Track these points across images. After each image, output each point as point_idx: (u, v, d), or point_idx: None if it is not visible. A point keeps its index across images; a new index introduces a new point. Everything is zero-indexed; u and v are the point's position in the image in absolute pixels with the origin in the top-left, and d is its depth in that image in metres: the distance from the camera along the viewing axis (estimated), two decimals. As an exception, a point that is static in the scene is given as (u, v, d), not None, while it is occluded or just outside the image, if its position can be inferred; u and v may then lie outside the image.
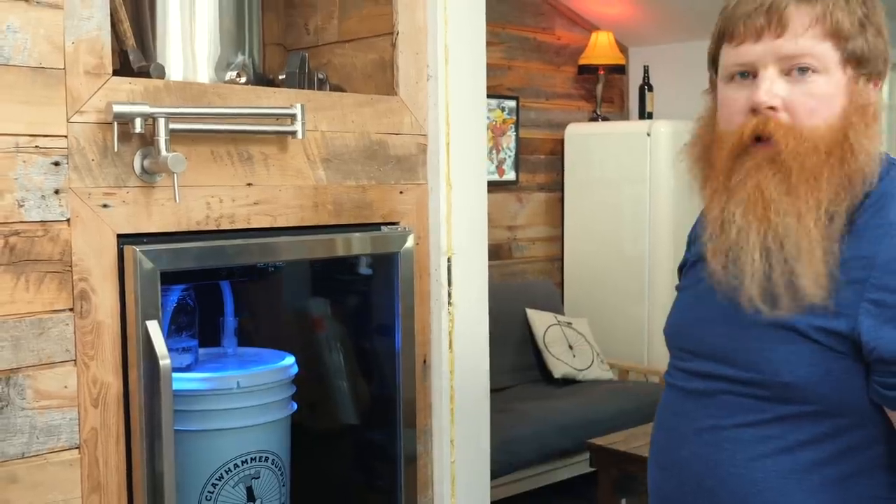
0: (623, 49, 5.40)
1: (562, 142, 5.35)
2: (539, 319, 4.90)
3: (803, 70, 1.22)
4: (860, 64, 1.23)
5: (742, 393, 1.24)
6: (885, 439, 1.18)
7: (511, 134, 5.14)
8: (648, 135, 4.79)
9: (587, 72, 5.29)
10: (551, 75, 5.36)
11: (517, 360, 4.83)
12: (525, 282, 5.26)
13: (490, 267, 5.28)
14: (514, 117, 5.15)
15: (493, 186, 5.09)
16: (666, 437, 1.36)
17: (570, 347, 4.88)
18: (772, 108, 1.21)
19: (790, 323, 1.19)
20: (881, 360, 1.13)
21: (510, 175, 5.16)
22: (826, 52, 1.22)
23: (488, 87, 5.41)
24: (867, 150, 1.20)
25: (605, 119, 5.36)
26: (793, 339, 1.19)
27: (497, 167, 5.10)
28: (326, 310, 2.21)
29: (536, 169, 5.32)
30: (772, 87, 1.22)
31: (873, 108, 1.23)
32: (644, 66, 5.18)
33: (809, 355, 1.18)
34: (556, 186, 5.38)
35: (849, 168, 1.19)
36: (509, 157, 5.14)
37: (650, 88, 5.14)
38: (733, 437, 1.25)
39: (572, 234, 5.34)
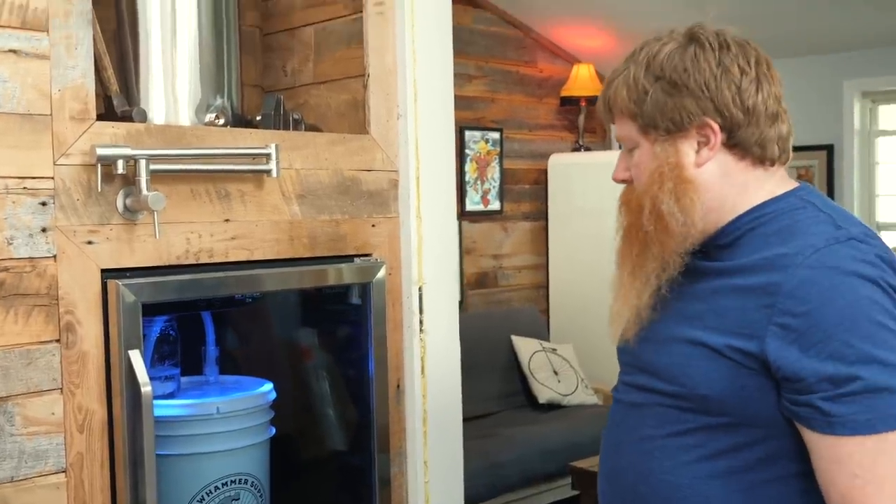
0: (604, 80, 5.53)
1: (545, 172, 5.47)
2: (524, 346, 5.00)
3: (629, 149, 1.41)
4: (652, 126, 1.35)
5: (669, 405, 1.35)
6: (797, 450, 1.27)
7: (495, 164, 5.25)
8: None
9: (569, 103, 5.42)
10: (534, 107, 5.49)
11: (503, 387, 4.92)
12: (510, 309, 5.36)
13: (476, 295, 5.39)
14: (499, 148, 5.27)
15: (479, 216, 5.21)
16: (608, 447, 1.46)
17: (556, 373, 4.97)
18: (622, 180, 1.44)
19: (708, 342, 1.30)
20: (786, 379, 1.24)
21: (495, 205, 5.27)
22: (628, 127, 1.39)
23: (473, 120, 5.53)
24: (677, 211, 1.35)
25: (587, 149, 5.48)
26: (711, 357, 1.29)
27: (482, 197, 5.21)
28: (304, 339, 2.31)
29: (521, 198, 5.44)
30: (619, 164, 1.44)
31: (682, 165, 1.36)
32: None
33: (725, 371, 1.28)
34: (541, 215, 5.50)
35: (666, 237, 1.36)
36: (494, 187, 5.25)
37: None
38: (662, 445, 1.35)
39: (557, 261, 5.45)
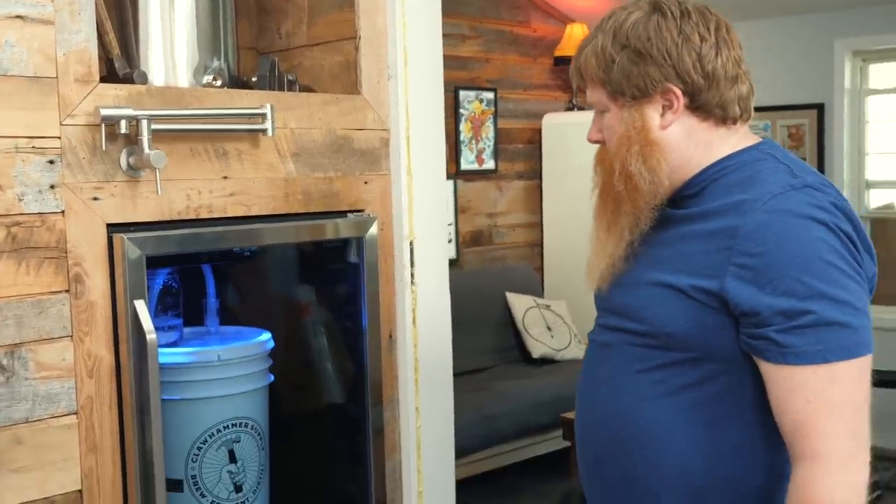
0: (598, 40, 5.58)
1: (539, 131, 5.55)
2: (518, 302, 5.11)
3: (600, 112, 1.51)
4: (619, 92, 1.45)
5: (637, 343, 1.46)
6: (755, 384, 1.39)
7: (490, 124, 5.33)
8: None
9: (563, 63, 5.49)
10: (528, 67, 5.56)
11: (497, 342, 5.05)
12: (505, 266, 5.47)
13: (471, 253, 5.50)
14: (493, 108, 5.35)
15: (473, 175, 5.29)
16: (582, 385, 1.57)
17: (549, 329, 5.08)
18: (595, 141, 1.54)
19: (674, 283, 1.41)
20: (744, 314, 1.35)
21: (489, 164, 5.36)
22: (598, 93, 1.50)
23: (467, 80, 5.59)
24: (644, 171, 1.45)
25: (580, 109, 5.56)
26: (676, 297, 1.41)
27: (476, 157, 5.29)
28: (301, 292, 2.41)
29: (515, 158, 5.52)
30: (592, 126, 1.55)
31: (648, 129, 1.46)
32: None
33: (689, 310, 1.39)
34: (535, 174, 5.59)
35: (636, 195, 1.46)
36: (488, 146, 5.33)
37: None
38: (630, 382, 1.47)
39: (551, 220, 5.55)
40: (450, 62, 5.05)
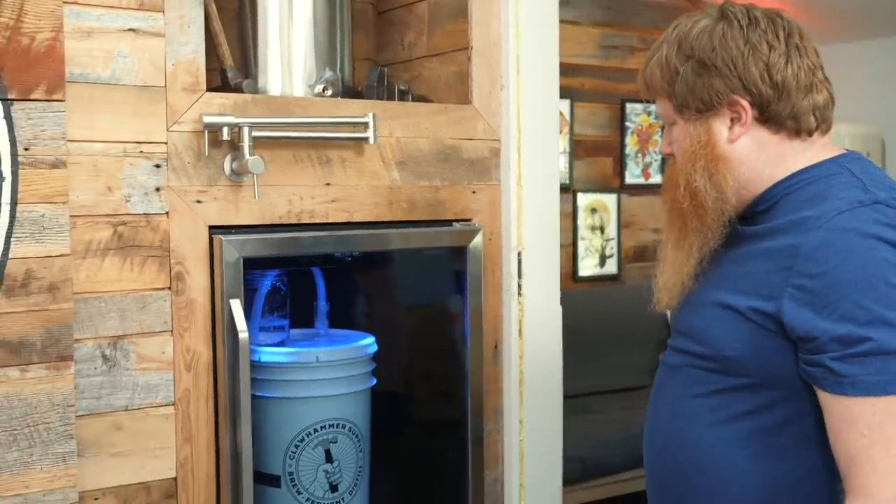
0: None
1: (711, 145, 5.37)
2: (680, 321, 4.95)
3: (669, 125, 1.44)
4: (685, 106, 1.36)
5: (698, 366, 1.39)
6: (816, 413, 1.29)
7: (657, 138, 5.21)
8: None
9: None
10: (702, 79, 5.39)
11: (656, 360, 4.90)
12: (670, 284, 5.31)
13: (634, 268, 5.39)
14: (661, 121, 5.22)
15: (639, 189, 5.19)
16: (650, 409, 1.51)
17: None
18: (667, 154, 1.47)
19: (734, 304, 1.33)
20: (800, 339, 1.25)
21: (656, 178, 5.23)
22: (665, 106, 1.43)
23: (635, 92, 5.47)
24: (709, 188, 1.37)
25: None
26: (735, 319, 1.33)
27: (643, 171, 5.18)
28: (410, 298, 2.45)
29: (685, 172, 5.36)
30: (664, 139, 1.49)
31: (714, 143, 1.38)
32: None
33: (747, 333, 1.31)
34: (706, 190, 5.41)
35: (703, 211, 1.38)
36: (655, 160, 5.21)
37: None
38: (692, 406, 1.40)
39: (721, 237, 5.34)
40: (616, 74, 5.01)
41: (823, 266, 1.24)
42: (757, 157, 1.38)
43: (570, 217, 4.88)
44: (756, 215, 1.41)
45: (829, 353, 1.23)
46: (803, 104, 1.36)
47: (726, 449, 1.36)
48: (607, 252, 5.03)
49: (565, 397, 3.93)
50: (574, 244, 4.91)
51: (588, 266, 4.96)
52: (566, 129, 4.82)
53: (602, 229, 5.02)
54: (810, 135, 1.39)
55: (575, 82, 4.86)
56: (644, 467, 1.54)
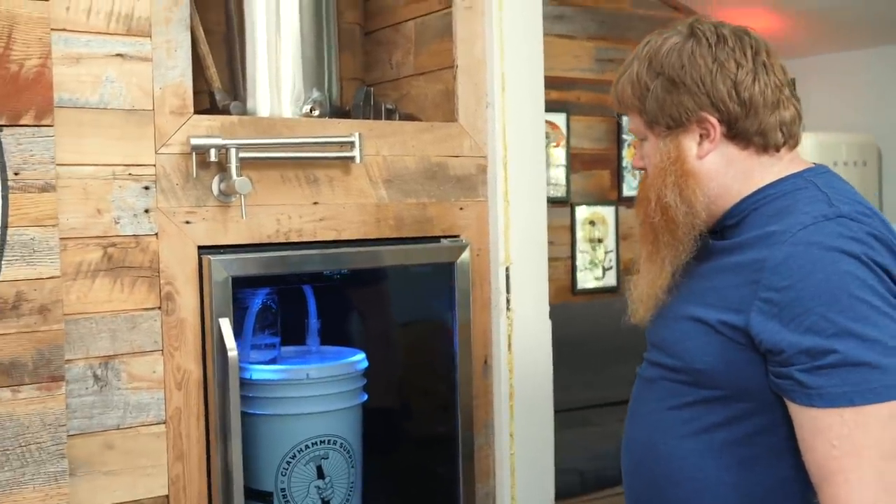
0: (774, 62, 5.38)
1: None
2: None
3: (641, 140, 1.46)
4: (655, 122, 1.39)
5: (672, 379, 1.41)
6: (788, 425, 1.31)
7: (655, 150, 5.23)
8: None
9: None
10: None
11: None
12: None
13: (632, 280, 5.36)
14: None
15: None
16: (627, 420, 1.53)
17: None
18: (639, 168, 1.50)
19: (704, 318, 1.35)
20: (769, 351, 1.27)
21: (654, 190, 5.25)
22: (637, 122, 1.45)
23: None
24: (679, 203, 1.39)
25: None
26: (706, 332, 1.35)
27: (640, 183, 5.20)
28: (400, 315, 2.47)
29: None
30: (636, 153, 1.51)
31: (684, 159, 1.40)
32: (791, 79, 5.14)
33: (718, 346, 1.33)
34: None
35: (674, 226, 1.40)
36: (653, 172, 5.23)
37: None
38: (665, 418, 1.42)
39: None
40: (612, 88, 5.03)
41: (789, 280, 1.26)
42: (725, 172, 1.41)
43: (568, 230, 4.90)
44: (725, 229, 1.44)
45: (797, 366, 1.25)
46: (770, 121, 1.38)
47: (699, 460, 1.38)
48: (606, 264, 5.05)
49: (564, 410, 3.95)
50: (573, 257, 4.93)
51: (587, 279, 4.98)
52: (563, 143, 4.85)
53: (600, 241, 5.04)
54: (778, 150, 1.41)
55: (571, 96, 4.89)
56: (622, 480, 1.56)
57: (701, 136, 1.40)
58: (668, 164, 1.41)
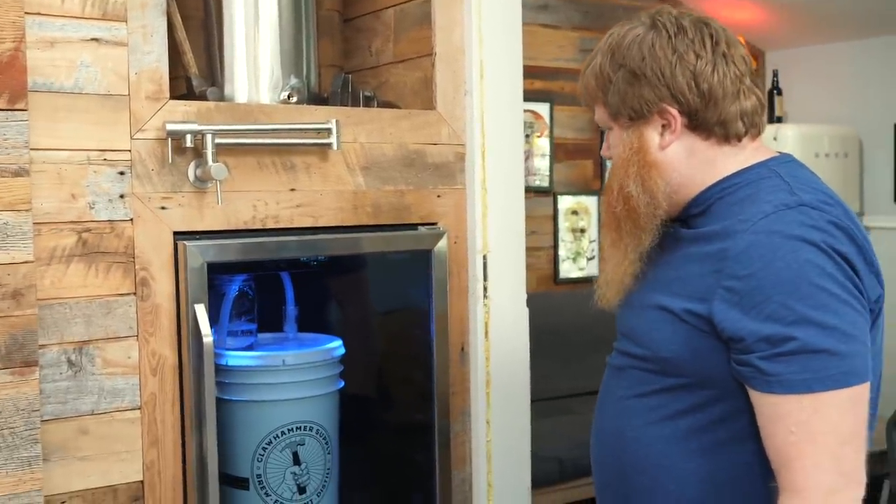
0: (758, 53, 5.40)
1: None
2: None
3: (608, 129, 1.47)
4: (619, 114, 1.40)
5: (639, 367, 1.43)
6: (752, 412, 1.32)
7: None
8: (775, 139, 4.79)
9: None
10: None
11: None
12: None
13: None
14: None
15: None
16: (597, 409, 1.55)
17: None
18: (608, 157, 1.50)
19: (670, 307, 1.36)
20: (730, 339, 1.29)
21: (637, 180, 5.27)
22: (602, 113, 1.46)
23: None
24: (641, 193, 1.40)
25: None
26: (672, 321, 1.36)
27: (623, 173, 5.22)
28: (378, 302, 2.48)
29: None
30: (605, 142, 1.52)
31: (646, 150, 1.41)
32: (773, 71, 5.17)
33: (683, 334, 1.35)
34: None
35: (636, 215, 1.41)
36: (636, 162, 5.24)
37: (779, 93, 5.12)
38: (632, 406, 1.43)
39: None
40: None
41: (750, 268, 1.27)
42: (688, 162, 1.42)
43: (550, 219, 4.91)
44: (690, 218, 1.45)
45: (757, 353, 1.26)
46: (731, 110, 1.39)
47: (664, 447, 1.39)
48: (588, 254, 5.06)
49: (545, 399, 3.96)
50: (555, 246, 4.94)
51: (569, 268, 4.99)
52: (546, 132, 4.86)
53: (583, 231, 5.05)
54: (739, 140, 1.42)
55: (555, 86, 4.90)
56: (592, 468, 1.57)
57: (663, 126, 1.41)
58: (631, 154, 1.42)
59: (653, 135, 1.41)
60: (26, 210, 1.72)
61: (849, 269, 1.27)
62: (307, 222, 2.07)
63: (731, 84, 1.39)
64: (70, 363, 1.83)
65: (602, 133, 4.98)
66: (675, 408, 1.38)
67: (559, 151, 4.94)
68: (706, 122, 1.39)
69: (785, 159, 1.43)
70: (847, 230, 1.29)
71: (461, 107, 2.27)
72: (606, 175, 5.10)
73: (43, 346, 1.79)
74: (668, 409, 1.39)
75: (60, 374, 1.82)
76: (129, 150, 1.87)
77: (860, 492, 1.25)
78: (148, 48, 1.88)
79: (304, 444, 2.12)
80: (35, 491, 1.74)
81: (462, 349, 2.29)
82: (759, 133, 1.44)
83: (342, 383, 2.23)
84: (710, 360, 1.33)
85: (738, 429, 1.35)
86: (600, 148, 4.99)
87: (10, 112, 1.70)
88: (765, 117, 1.45)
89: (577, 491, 3.81)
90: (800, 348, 1.23)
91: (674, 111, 1.39)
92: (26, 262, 1.73)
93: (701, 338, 1.33)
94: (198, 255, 1.90)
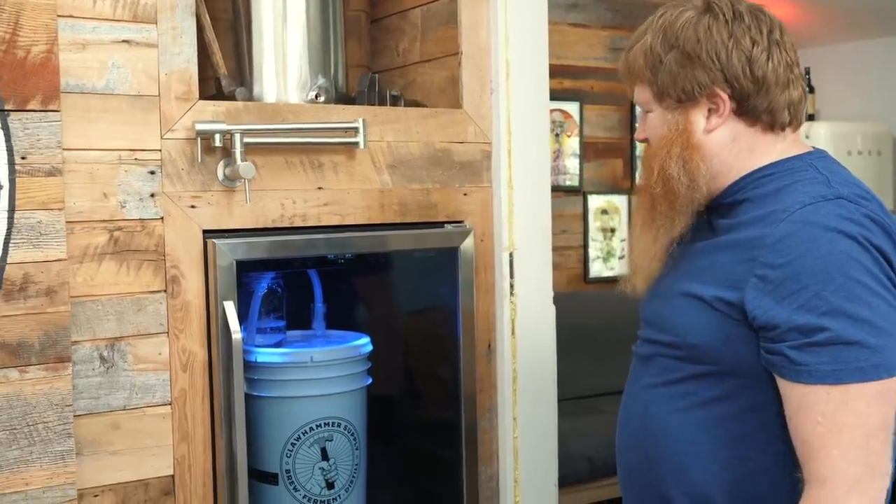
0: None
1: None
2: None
3: (646, 111, 1.46)
4: (666, 94, 1.39)
5: (667, 355, 1.43)
6: (778, 401, 1.32)
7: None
8: (807, 137, 4.75)
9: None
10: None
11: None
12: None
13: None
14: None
15: (650, 191, 5.20)
16: (624, 397, 1.55)
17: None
18: (643, 140, 1.48)
19: (701, 294, 1.37)
20: (761, 327, 1.29)
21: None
22: (645, 93, 1.45)
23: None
24: (682, 175, 1.40)
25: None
26: (702, 308, 1.37)
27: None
28: (406, 299, 2.49)
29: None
30: (640, 125, 1.51)
31: (691, 132, 1.41)
32: (805, 68, 5.12)
33: (714, 322, 1.35)
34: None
35: (674, 197, 1.41)
36: (667, 161, 5.22)
37: (811, 90, 5.08)
38: (660, 393, 1.43)
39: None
40: (626, 76, 5.03)
41: (785, 257, 1.28)
42: (730, 148, 1.42)
43: (580, 219, 4.91)
44: (722, 207, 1.45)
45: (788, 342, 1.26)
46: (780, 99, 1.40)
47: (690, 435, 1.39)
48: (619, 254, 5.05)
49: (574, 398, 3.95)
50: (585, 246, 4.93)
51: (600, 268, 4.99)
52: (576, 132, 4.86)
53: (613, 231, 5.04)
54: (783, 129, 1.42)
55: (584, 85, 4.89)
56: (616, 456, 1.57)
57: (710, 110, 1.41)
58: (676, 135, 1.42)
59: (699, 118, 1.41)
60: (59, 209, 1.76)
61: (885, 263, 1.27)
62: (334, 220, 2.09)
63: (784, 72, 1.39)
64: (102, 359, 1.86)
65: (632, 130, 4.97)
66: (703, 396, 1.39)
67: (589, 151, 4.94)
68: (755, 108, 1.40)
69: (821, 154, 1.43)
70: (883, 225, 1.29)
71: (487, 105, 2.28)
72: (636, 174, 5.09)
73: (76, 342, 1.82)
74: (695, 397, 1.39)
75: (93, 370, 1.85)
76: (160, 150, 1.90)
77: (885, 483, 1.24)
78: (177, 49, 1.91)
79: (332, 440, 2.14)
80: (68, 484, 1.77)
81: (489, 346, 2.30)
82: (800, 124, 1.44)
83: (370, 380, 2.25)
84: (739, 348, 1.33)
85: (766, 420, 1.35)
86: (631, 147, 4.99)
87: (43, 113, 1.74)
88: (806, 110, 1.45)
89: (605, 490, 3.81)
90: (831, 339, 1.23)
91: (724, 95, 1.39)
92: (59, 260, 1.76)
93: (732, 326, 1.33)
94: (227, 253, 1.93)
